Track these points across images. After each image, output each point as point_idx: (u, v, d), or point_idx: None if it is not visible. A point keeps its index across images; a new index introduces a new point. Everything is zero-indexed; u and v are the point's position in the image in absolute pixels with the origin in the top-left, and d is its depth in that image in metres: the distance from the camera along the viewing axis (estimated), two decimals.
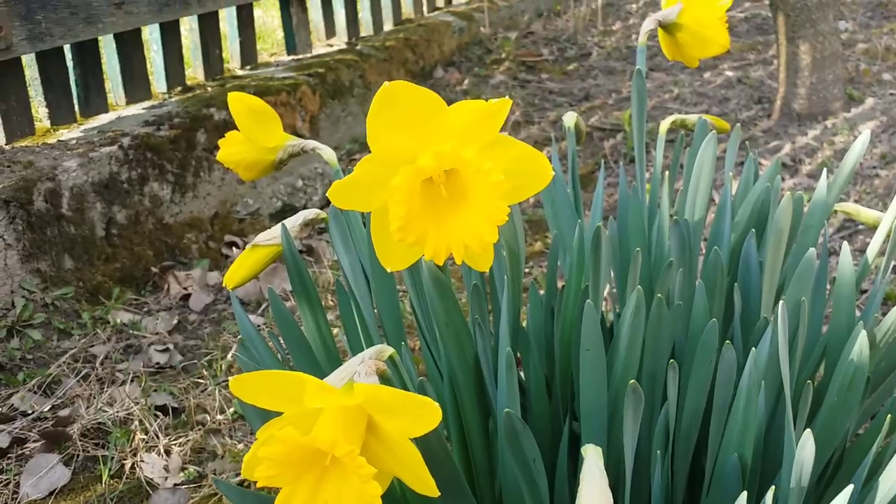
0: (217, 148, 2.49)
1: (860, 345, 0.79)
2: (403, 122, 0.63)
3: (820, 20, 2.63)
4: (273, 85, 2.62)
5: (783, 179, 2.50)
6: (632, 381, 0.75)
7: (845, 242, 0.93)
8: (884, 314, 1.40)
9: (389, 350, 0.68)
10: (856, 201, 2.38)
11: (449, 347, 0.82)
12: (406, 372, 0.74)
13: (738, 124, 1.18)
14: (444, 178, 0.63)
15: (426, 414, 0.59)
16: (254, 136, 1.01)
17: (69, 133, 2.13)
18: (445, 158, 0.61)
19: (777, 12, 2.68)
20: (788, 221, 0.87)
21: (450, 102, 0.64)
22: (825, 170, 1.13)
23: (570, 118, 1.15)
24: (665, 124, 1.22)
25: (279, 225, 0.95)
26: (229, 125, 2.42)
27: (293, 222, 1.01)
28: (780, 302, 0.75)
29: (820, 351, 0.96)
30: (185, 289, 2.02)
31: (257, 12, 3.66)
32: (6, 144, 2.00)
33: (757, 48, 3.53)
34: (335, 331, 1.43)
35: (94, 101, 2.21)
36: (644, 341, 0.81)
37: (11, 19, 1.86)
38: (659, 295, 0.79)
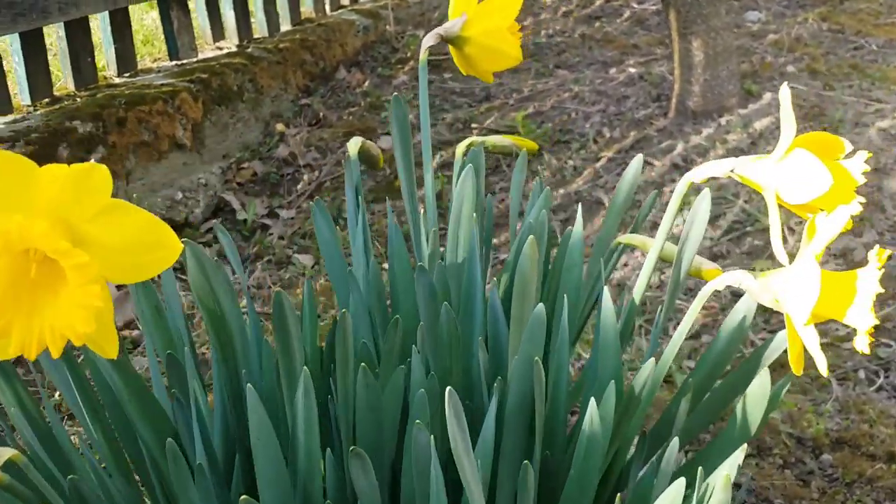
0: (82, 163, 2.34)
1: (591, 413, 0.72)
2: None
3: (711, 15, 2.57)
4: (148, 93, 2.51)
5: (674, 181, 2.45)
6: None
7: (605, 289, 0.85)
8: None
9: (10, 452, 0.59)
10: (745, 202, 2.33)
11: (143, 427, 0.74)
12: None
13: (524, 150, 1.10)
14: (40, 256, 0.55)
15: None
16: None
17: None
18: (12, 235, 0.52)
19: (668, 7, 2.62)
20: (532, 266, 0.79)
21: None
22: (579, 204, 1.06)
23: (354, 145, 1.07)
24: (461, 147, 1.14)
25: None
26: (95, 138, 2.32)
27: None
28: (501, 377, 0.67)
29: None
30: None
31: (152, 14, 3.55)
32: None
33: (665, 42, 3.47)
34: None
35: None
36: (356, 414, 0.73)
37: None
38: (363, 364, 0.71)
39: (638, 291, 0.89)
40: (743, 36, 3.45)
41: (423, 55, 1.15)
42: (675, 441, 0.78)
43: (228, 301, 0.78)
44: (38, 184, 0.54)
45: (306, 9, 3.50)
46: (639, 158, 0.98)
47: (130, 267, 0.55)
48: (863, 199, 0.80)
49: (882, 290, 0.76)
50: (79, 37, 2.45)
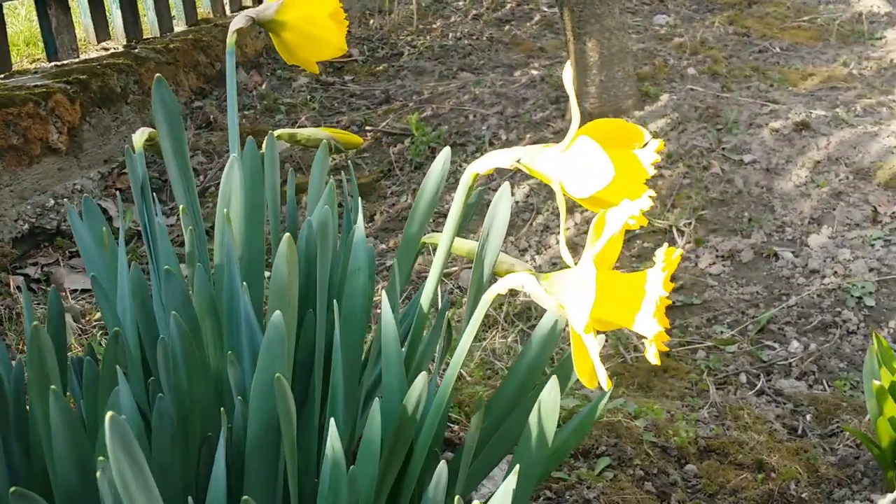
0: None
1: (331, 439, 0.63)
2: None
3: (605, 15, 2.53)
4: (18, 95, 2.38)
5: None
6: None
7: (384, 292, 0.77)
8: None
9: None
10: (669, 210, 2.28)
11: None
12: None
13: (325, 142, 1.02)
14: None
15: None
16: None
17: None
18: None
19: (562, 8, 2.57)
20: (288, 270, 0.71)
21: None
22: (359, 201, 0.97)
23: (139, 136, 0.98)
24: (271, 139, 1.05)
25: None
26: None
27: None
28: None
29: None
30: None
31: None
32: None
33: None
34: None
35: None
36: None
37: None
38: (53, 388, 0.62)
39: (426, 295, 0.81)
40: (649, 39, 3.42)
41: (230, 38, 1.06)
42: (443, 466, 0.70)
43: None
44: None
45: (204, 10, 3.39)
46: (446, 151, 0.90)
47: None
48: (653, 193, 0.73)
49: (665, 294, 0.69)
50: None
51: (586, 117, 2.61)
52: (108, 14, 2.91)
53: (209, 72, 3.15)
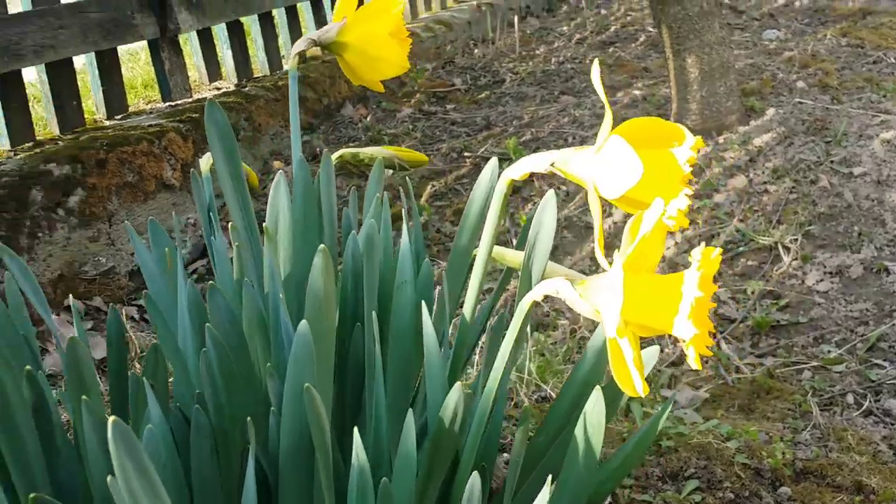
0: (59, 206, 2.33)
1: (357, 449, 0.63)
2: None
3: (704, 30, 2.47)
4: (133, 134, 2.51)
5: None
6: None
7: (423, 305, 0.76)
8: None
9: None
10: (740, 221, 2.20)
11: None
12: None
13: (380, 158, 1.02)
14: None
15: None
16: None
17: None
18: None
19: (661, 25, 2.53)
20: (325, 285, 0.71)
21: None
22: (418, 218, 0.97)
23: (205, 162, 1.01)
24: (333, 157, 1.07)
25: None
26: (73, 180, 2.31)
27: None
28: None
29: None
30: None
31: None
32: None
33: None
34: None
35: None
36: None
37: None
38: (85, 398, 0.64)
39: (468, 306, 0.80)
40: (758, 54, 3.32)
41: (292, 62, 1.09)
42: (475, 478, 0.68)
43: None
44: None
45: (313, 49, 3.49)
46: (493, 161, 0.90)
47: None
48: (690, 192, 0.71)
49: (701, 294, 0.66)
50: (62, 80, 2.46)
51: None
52: (219, 55, 3.04)
53: (316, 107, 3.24)
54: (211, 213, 0.99)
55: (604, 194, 0.72)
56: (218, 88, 3.05)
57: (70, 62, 2.48)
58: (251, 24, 3.16)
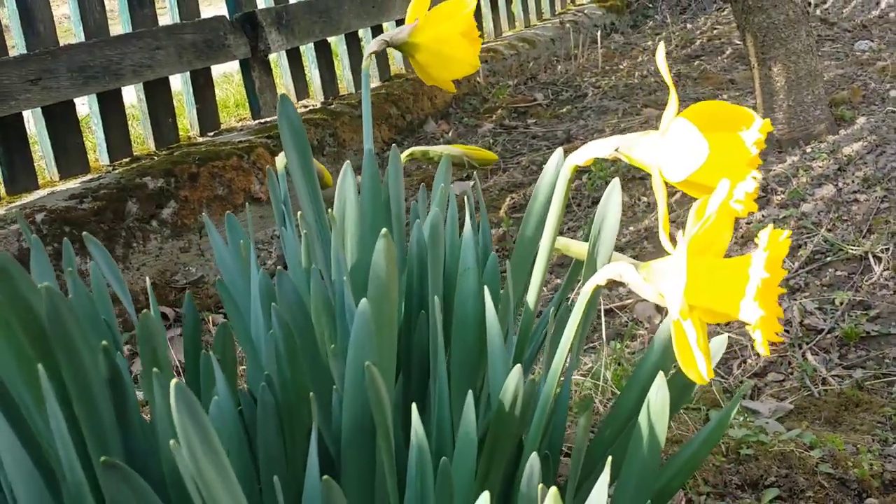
0: (153, 217, 2.44)
1: (415, 428, 0.64)
2: None
3: (791, 38, 2.42)
4: (224, 149, 2.60)
5: (750, 212, 2.28)
6: None
7: (486, 291, 0.77)
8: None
9: None
10: (828, 230, 2.15)
11: None
12: None
13: (447, 155, 1.04)
14: None
15: None
16: None
17: None
18: None
19: (745, 34, 2.49)
20: (387, 267, 0.72)
21: None
22: (484, 209, 0.97)
23: (281, 160, 1.04)
24: (403, 155, 1.09)
25: None
26: (165, 192, 2.40)
27: None
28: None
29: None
30: None
31: None
32: None
33: None
34: None
35: (21, 178, 2.22)
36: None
37: None
38: (156, 369, 0.66)
39: (531, 299, 0.80)
40: (849, 65, 3.24)
41: (365, 62, 1.12)
42: (534, 458, 0.68)
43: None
44: None
45: (396, 66, 3.56)
46: (559, 152, 0.90)
47: None
48: (758, 175, 0.70)
49: (768, 276, 0.65)
50: (158, 98, 2.56)
51: (773, 143, 2.50)
52: (307, 74, 3.11)
53: (400, 123, 3.30)
54: (284, 206, 1.02)
55: (668, 178, 0.72)
56: (305, 106, 3.13)
57: (166, 81, 2.58)
58: (338, 43, 3.24)
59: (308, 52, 3.10)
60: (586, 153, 0.77)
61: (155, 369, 0.65)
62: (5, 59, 2.13)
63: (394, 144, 1.05)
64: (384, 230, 0.72)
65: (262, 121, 2.93)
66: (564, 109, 3.30)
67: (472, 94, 3.60)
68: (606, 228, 0.83)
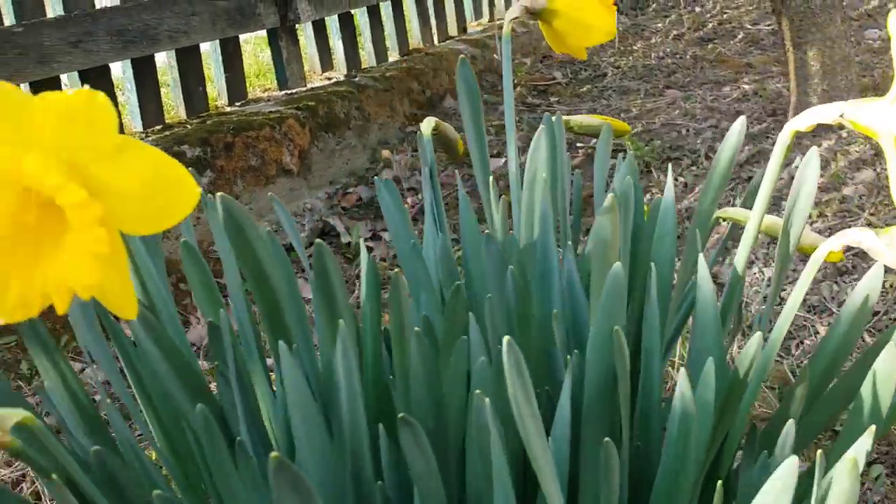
0: None
1: (681, 389, 0.64)
2: None
3: (826, 24, 2.45)
4: (256, 120, 2.56)
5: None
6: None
7: (701, 256, 0.77)
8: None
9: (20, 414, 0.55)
10: (872, 214, 2.18)
11: None
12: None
13: (608, 122, 1.04)
14: (42, 199, 0.49)
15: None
16: None
17: None
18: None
19: (781, 18, 2.51)
20: (614, 228, 0.73)
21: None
22: (669, 167, 0.97)
23: (427, 125, 1.04)
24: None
25: None
26: (203, 161, 2.36)
27: None
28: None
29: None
30: None
31: (268, 52, 3.64)
32: None
33: (781, 60, 3.34)
34: None
35: None
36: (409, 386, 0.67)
37: None
38: (417, 329, 0.66)
39: (739, 263, 0.81)
40: (863, 52, 3.28)
41: (506, 27, 1.11)
42: (791, 425, 0.69)
43: (270, 260, 0.74)
44: (32, 117, 0.47)
45: (414, 40, 3.53)
46: (741, 120, 0.90)
47: (152, 212, 0.50)
48: None
49: None
50: (190, 66, 2.52)
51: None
52: (330, 46, 3.08)
53: (421, 98, 3.28)
54: (431, 171, 1.02)
55: None
56: (329, 78, 3.10)
57: (197, 49, 2.54)
58: (360, 16, 3.21)
59: (332, 23, 3.06)
60: (809, 119, 0.77)
61: (416, 329, 0.64)
62: (46, 21, 2.08)
63: (546, 113, 1.04)
64: (610, 195, 0.72)
65: (289, 91, 2.89)
66: (584, 88, 3.31)
67: (488, 70, 3.59)
68: (802, 198, 0.83)
